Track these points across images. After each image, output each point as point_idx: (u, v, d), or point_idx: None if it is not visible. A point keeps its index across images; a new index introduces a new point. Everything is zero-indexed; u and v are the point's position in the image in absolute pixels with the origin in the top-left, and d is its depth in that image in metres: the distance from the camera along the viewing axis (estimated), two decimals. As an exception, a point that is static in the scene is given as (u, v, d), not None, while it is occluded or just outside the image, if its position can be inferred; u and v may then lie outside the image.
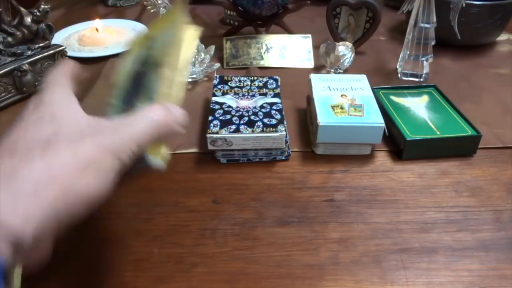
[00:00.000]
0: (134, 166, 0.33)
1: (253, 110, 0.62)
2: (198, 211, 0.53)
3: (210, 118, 0.61)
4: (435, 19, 0.74)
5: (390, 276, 0.45)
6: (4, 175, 0.28)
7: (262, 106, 0.63)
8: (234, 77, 0.71)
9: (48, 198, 0.28)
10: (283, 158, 0.61)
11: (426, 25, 0.75)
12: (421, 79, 0.80)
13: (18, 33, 0.76)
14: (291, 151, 0.63)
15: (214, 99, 0.65)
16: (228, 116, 0.61)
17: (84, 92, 0.79)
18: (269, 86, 0.69)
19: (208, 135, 0.58)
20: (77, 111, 0.33)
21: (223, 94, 0.67)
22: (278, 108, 0.63)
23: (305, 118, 0.71)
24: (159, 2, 0.87)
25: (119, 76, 0.42)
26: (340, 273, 0.46)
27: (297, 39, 0.90)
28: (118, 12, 1.19)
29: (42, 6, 0.76)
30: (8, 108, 0.74)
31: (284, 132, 0.58)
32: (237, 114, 0.61)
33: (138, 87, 0.38)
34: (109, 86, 0.42)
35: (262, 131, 0.58)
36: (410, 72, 0.80)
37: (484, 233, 0.50)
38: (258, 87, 0.69)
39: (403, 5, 0.77)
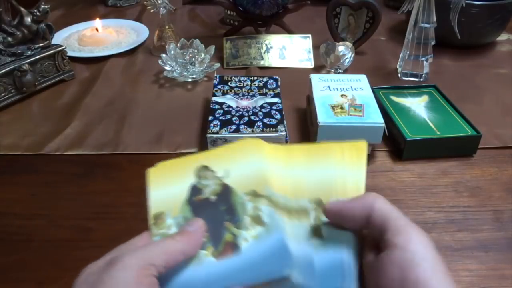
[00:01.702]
0: None
1: (253, 110, 0.62)
2: (198, 211, 0.53)
3: (210, 118, 0.61)
4: (435, 19, 0.74)
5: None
6: None
7: (262, 106, 0.63)
8: (234, 77, 0.71)
9: None
10: (283, 158, 0.61)
11: (426, 25, 0.74)
12: (421, 79, 0.80)
13: (18, 33, 0.76)
14: (291, 151, 0.63)
15: (214, 99, 0.65)
16: (228, 116, 0.61)
17: (84, 92, 0.79)
18: (269, 86, 0.69)
19: (208, 135, 0.58)
20: None
21: (223, 94, 0.67)
22: (278, 108, 0.63)
23: (305, 118, 0.71)
24: (159, 2, 0.87)
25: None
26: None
27: (297, 39, 0.90)
28: (118, 12, 1.19)
29: (42, 6, 0.76)
30: (8, 108, 0.74)
31: (284, 132, 0.58)
32: (237, 114, 0.61)
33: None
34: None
35: (262, 131, 0.58)
36: (410, 72, 0.80)
37: (484, 233, 0.50)
38: (258, 87, 0.69)
39: (403, 5, 0.77)
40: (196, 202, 0.36)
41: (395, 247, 0.29)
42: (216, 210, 0.35)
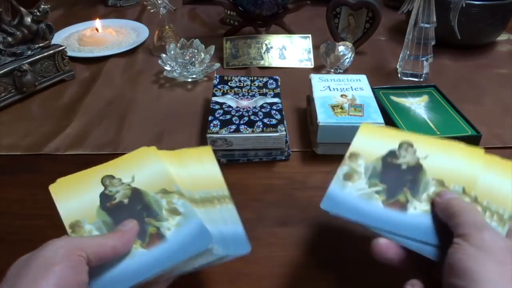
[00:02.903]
0: None
1: (253, 110, 0.62)
2: (198, 211, 0.53)
3: (210, 118, 0.61)
4: (435, 19, 0.74)
5: (391, 276, 0.45)
6: None
7: (262, 106, 0.63)
8: (234, 77, 0.71)
9: None
10: (283, 158, 0.61)
11: (426, 25, 0.74)
12: (421, 79, 0.80)
13: (18, 33, 0.76)
14: (291, 151, 0.63)
15: (214, 99, 0.65)
16: (228, 116, 0.61)
17: (84, 92, 0.79)
18: (269, 86, 0.69)
19: (208, 135, 0.58)
20: None
21: (223, 94, 0.67)
22: (278, 108, 0.63)
23: (305, 118, 0.71)
24: (159, 2, 0.87)
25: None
26: (342, 272, 0.46)
27: (297, 39, 0.90)
28: (118, 12, 1.19)
29: (42, 6, 0.76)
30: (8, 108, 0.74)
31: (284, 132, 0.58)
32: (237, 114, 0.61)
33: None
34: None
35: (262, 131, 0.58)
36: (410, 72, 0.80)
37: (484, 233, 0.50)
38: (258, 87, 0.69)
39: (403, 5, 0.77)
40: (110, 207, 0.39)
41: (461, 239, 0.32)
42: (132, 210, 0.39)
